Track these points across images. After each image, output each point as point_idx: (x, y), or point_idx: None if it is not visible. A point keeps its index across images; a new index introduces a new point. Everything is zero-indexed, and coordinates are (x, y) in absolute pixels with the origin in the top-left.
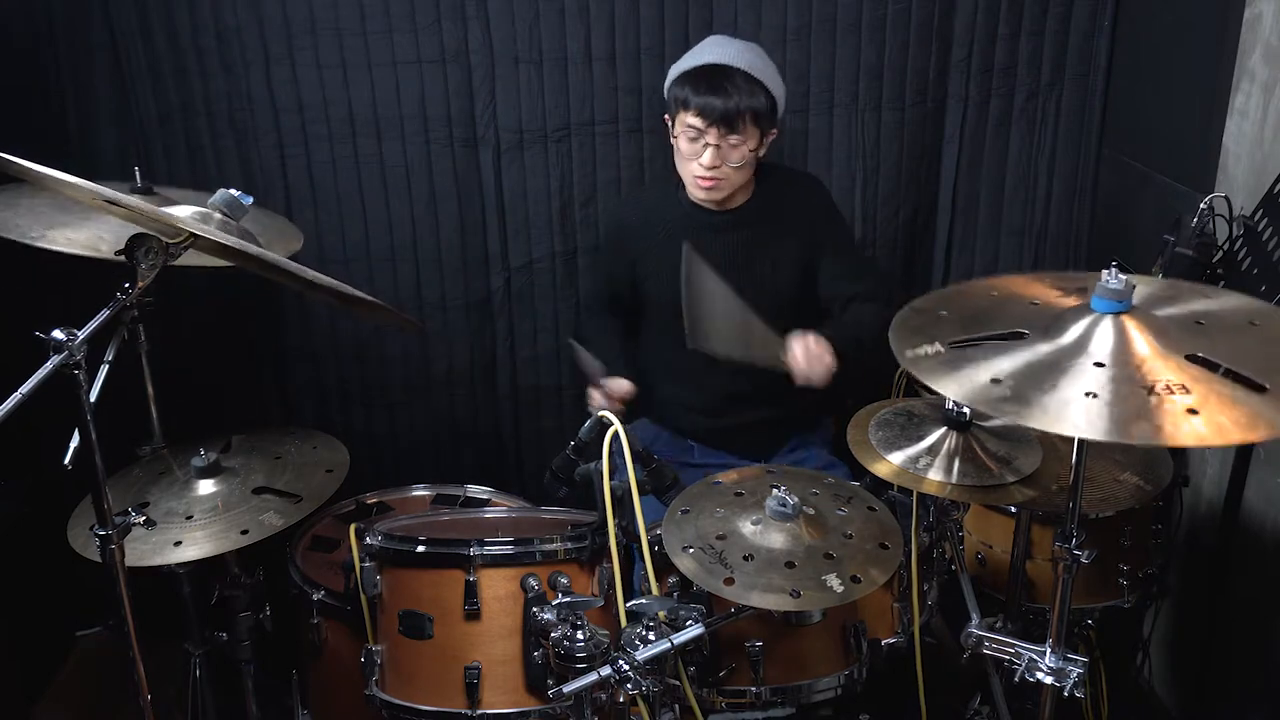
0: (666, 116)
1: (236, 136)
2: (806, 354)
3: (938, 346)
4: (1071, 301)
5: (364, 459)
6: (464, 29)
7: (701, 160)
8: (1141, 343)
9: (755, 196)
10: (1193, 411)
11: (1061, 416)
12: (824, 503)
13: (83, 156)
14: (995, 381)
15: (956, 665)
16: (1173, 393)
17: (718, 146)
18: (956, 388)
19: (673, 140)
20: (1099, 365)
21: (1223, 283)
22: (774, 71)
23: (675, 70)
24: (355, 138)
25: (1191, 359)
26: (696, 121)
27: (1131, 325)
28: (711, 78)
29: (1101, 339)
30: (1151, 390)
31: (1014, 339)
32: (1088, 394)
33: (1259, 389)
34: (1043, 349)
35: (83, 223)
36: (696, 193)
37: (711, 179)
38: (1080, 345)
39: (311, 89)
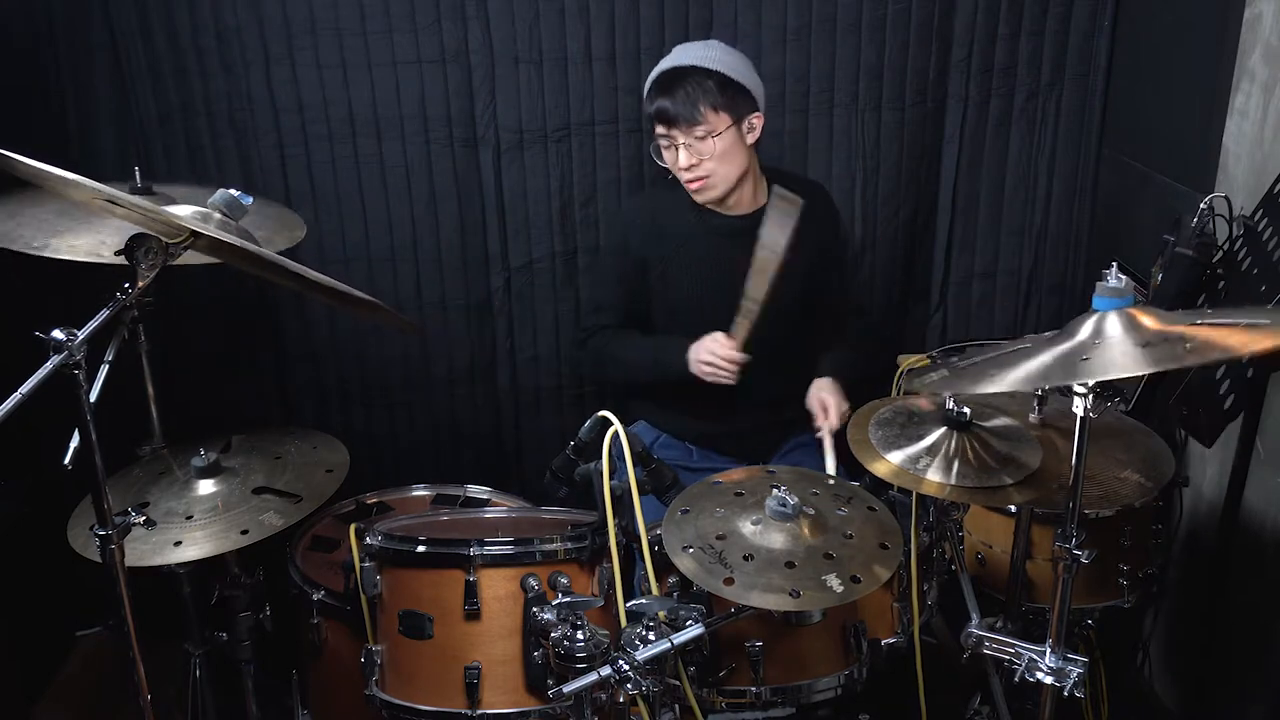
0: None
1: (236, 136)
2: (826, 408)
3: (943, 371)
4: None
5: (364, 459)
6: (464, 29)
7: (678, 164)
8: (1149, 320)
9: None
10: (1189, 348)
11: (1046, 374)
12: (824, 503)
13: (83, 156)
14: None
15: (956, 665)
16: (1168, 341)
17: (688, 145)
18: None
19: None
20: (1096, 342)
21: (1223, 283)
22: (729, 56)
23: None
24: (355, 138)
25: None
26: (661, 129)
27: (1137, 312)
28: (662, 84)
29: (1112, 328)
30: (1146, 344)
31: (1019, 353)
32: (1083, 358)
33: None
34: (1057, 349)
35: (85, 229)
36: (694, 196)
37: (694, 179)
38: (1094, 338)
39: (311, 89)
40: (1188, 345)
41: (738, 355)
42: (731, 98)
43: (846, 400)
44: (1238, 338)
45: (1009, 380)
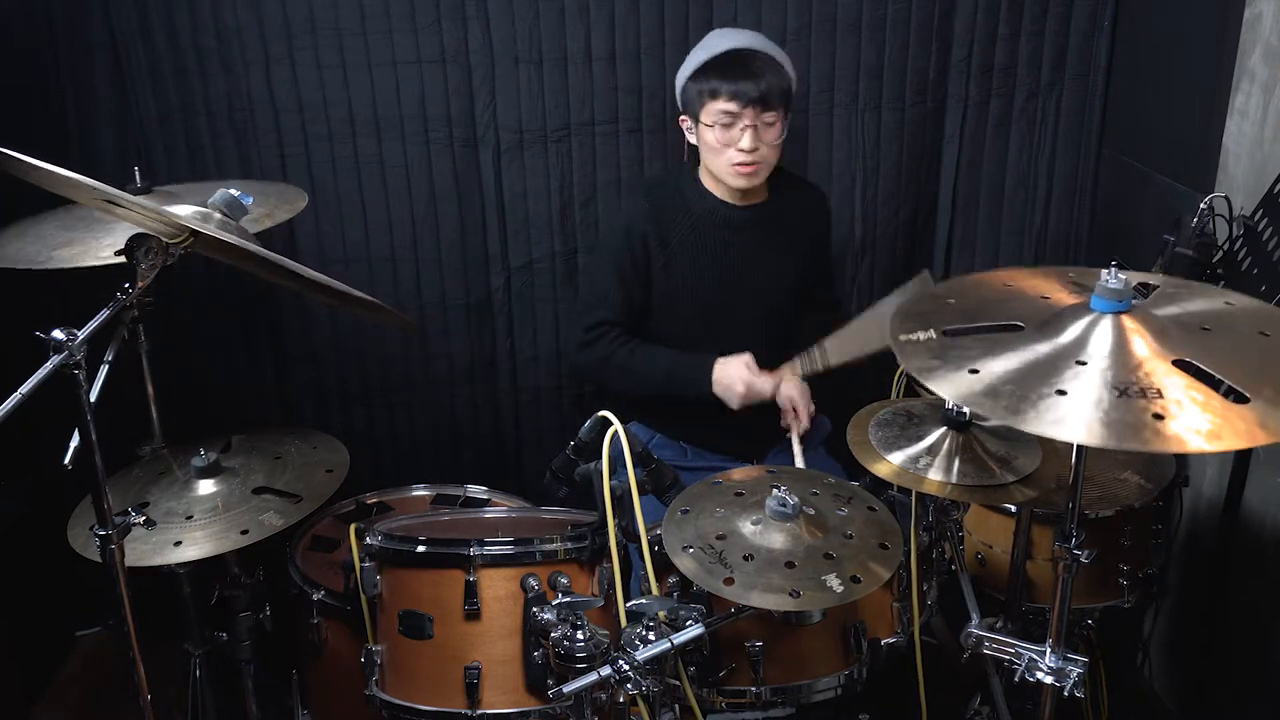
0: (683, 117)
1: (236, 136)
2: (795, 408)
3: (930, 333)
4: (1078, 299)
5: (364, 459)
6: (464, 29)
7: (741, 145)
8: (1139, 343)
9: (771, 197)
10: (1158, 416)
11: (1025, 413)
12: (824, 503)
13: (83, 156)
14: (973, 371)
15: (956, 665)
16: (1145, 396)
17: (755, 128)
18: (943, 382)
19: (693, 138)
20: (1081, 364)
21: (1223, 283)
22: (782, 53)
23: (690, 66)
24: (355, 138)
25: (1180, 364)
26: (731, 106)
27: (1131, 325)
28: (737, 63)
29: (1099, 339)
30: (1123, 392)
31: (1010, 330)
32: (1059, 391)
33: (1241, 400)
34: (1038, 348)
35: (86, 237)
36: (737, 181)
37: (752, 163)
38: (1078, 345)
39: (311, 89)
40: (1154, 413)
41: (769, 390)
42: (789, 92)
43: (813, 402)
44: (1206, 419)
45: (986, 374)
